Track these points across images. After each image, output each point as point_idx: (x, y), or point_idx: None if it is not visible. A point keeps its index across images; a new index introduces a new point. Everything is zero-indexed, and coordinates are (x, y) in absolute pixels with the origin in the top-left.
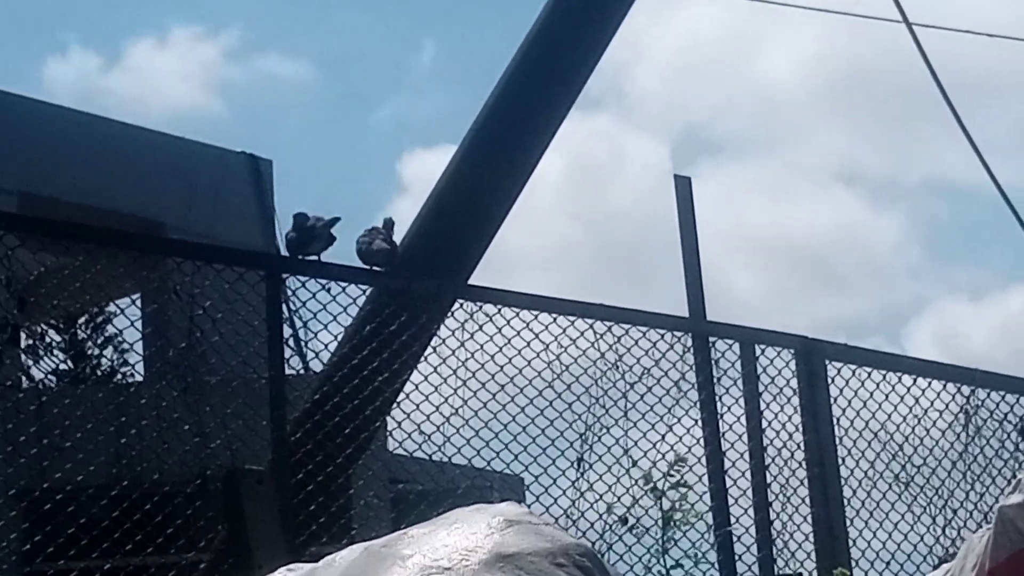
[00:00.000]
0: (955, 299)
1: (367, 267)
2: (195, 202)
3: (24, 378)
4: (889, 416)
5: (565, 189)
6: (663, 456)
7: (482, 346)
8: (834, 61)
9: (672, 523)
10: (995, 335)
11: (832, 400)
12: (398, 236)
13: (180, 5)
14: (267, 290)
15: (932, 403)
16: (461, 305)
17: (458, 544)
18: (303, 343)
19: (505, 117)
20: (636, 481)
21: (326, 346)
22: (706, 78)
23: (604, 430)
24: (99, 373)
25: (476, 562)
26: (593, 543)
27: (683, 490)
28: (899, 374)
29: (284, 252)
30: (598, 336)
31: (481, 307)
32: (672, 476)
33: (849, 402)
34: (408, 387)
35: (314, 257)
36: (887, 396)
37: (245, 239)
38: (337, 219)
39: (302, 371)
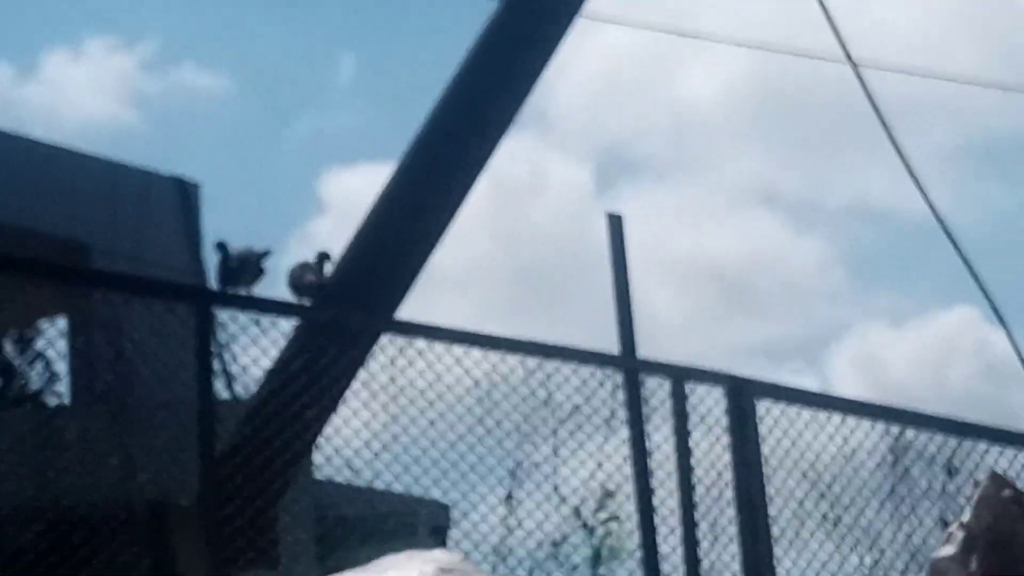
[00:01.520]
0: (876, 324)
1: (297, 300)
2: (121, 225)
3: None
4: (818, 455)
5: (485, 208)
6: (592, 493)
7: (411, 382)
8: (754, 83)
9: (601, 558)
10: (915, 361)
11: (761, 438)
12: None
13: (96, 15)
14: (197, 323)
15: (861, 443)
16: (391, 340)
17: None
18: (232, 378)
19: (441, 142)
20: (566, 518)
21: (250, 375)
22: (627, 99)
23: (534, 466)
24: (25, 393)
25: None
26: None
27: (612, 524)
28: (828, 412)
29: (213, 280)
30: (528, 373)
31: (412, 343)
32: (601, 512)
33: (778, 440)
34: (338, 419)
35: (243, 291)
36: (816, 435)
37: (173, 262)
38: (268, 252)
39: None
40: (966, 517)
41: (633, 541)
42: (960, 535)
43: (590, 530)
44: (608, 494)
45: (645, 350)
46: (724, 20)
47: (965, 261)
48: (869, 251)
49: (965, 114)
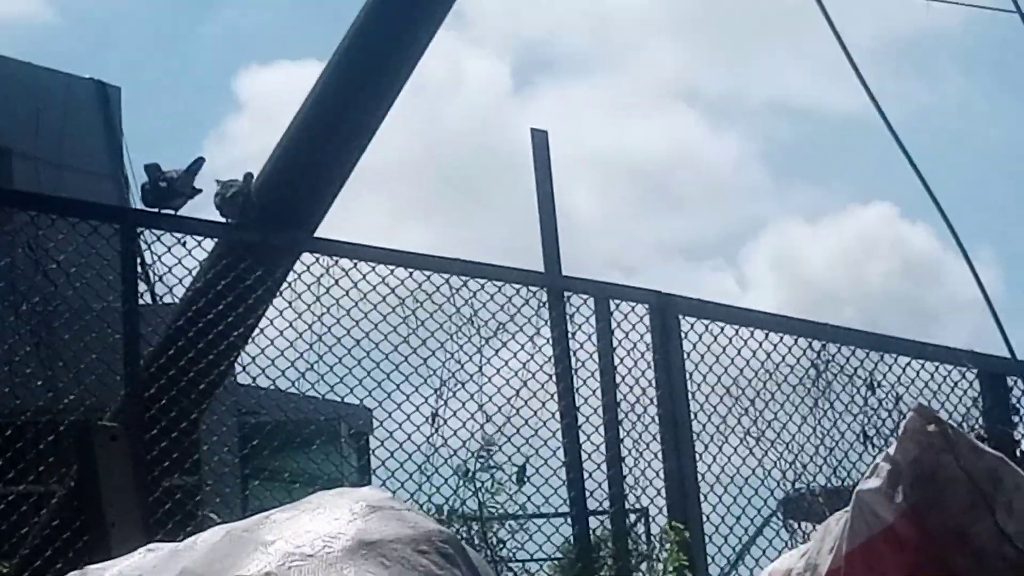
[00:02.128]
0: (794, 220)
1: (223, 220)
2: (42, 129)
3: None
4: (741, 371)
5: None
6: (517, 411)
7: (337, 301)
8: None
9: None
10: (833, 258)
11: (685, 355)
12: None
13: None
14: (122, 244)
15: (783, 358)
16: (317, 259)
17: (320, 530)
18: (156, 296)
19: (369, 43)
20: (489, 436)
21: (174, 287)
22: None
23: (459, 384)
24: None
25: (339, 549)
26: (447, 499)
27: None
28: (751, 329)
29: (129, 178)
30: (454, 291)
31: (337, 262)
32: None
33: (702, 356)
34: (262, 334)
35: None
36: (739, 351)
37: (94, 166)
38: (199, 162)
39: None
40: (892, 450)
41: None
42: (886, 468)
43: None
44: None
45: (564, 248)
46: None
47: (907, 154)
48: (788, 148)
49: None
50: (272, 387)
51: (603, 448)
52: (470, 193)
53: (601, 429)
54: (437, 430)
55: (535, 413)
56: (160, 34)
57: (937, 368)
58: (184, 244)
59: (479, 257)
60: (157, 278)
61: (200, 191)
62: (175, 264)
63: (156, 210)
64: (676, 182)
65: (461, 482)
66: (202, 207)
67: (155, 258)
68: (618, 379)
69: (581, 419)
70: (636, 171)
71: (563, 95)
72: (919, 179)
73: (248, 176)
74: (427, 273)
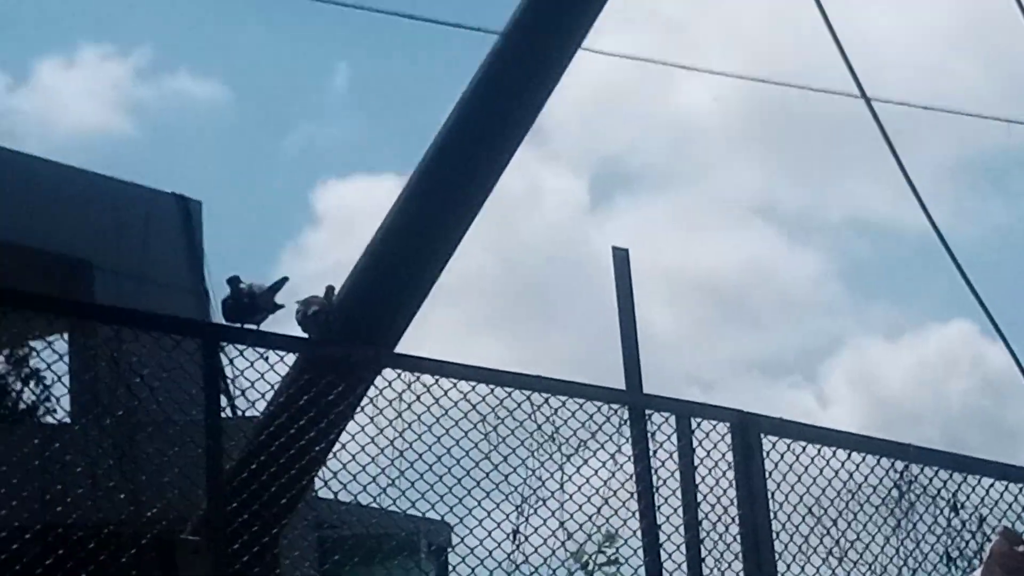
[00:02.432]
0: (872, 338)
1: (305, 335)
2: (123, 242)
3: None
4: (823, 491)
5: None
6: (599, 529)
7: (419, 416)
8: (753, 93)
9: None
10: (912, 376)
11: (767, 474)
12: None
13: (90, 23)
14: (204, 359)
15: (866, 478)
16: (399, 375)
17: None
18: (240, 411)
19: (452, 160)
20: (570, 555)
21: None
22: (623, 110)
23: (540, 502)
24: (20, 411)
25: None
26: None
27: (613, 568)
28: (833, 448)
29: (209, 291)
30: (535, 407)
31: (419, 377)
32: (604, 553)
33: (784, 476)
34: (343, 447)
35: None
36: (821, 470)
37: (175, 280)
38: (283, 281)
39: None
40: (977, 573)
41: None
42: None
43: (591, 571)
44: (609, 536)
45: (642, 363)
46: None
47: (962, 273)
48: (866, 265)
49: (964, 130)
50: (353, 502)
51: (684, 567)
52: (544, 308)
53: (683, 548)
54: (518, 547)
55: (616, 531)
56: (239, 146)
57: (1021, 489)
58: (267, 359)
59: (552, 371)
60: (239, 392)
61: (282, 307)
62: (257, 379)
63: (238, 325)
64: (753, 298)
65: None
66: (283, 321)
67: (237, 372)
68: (699, 497)
69: (662, 537)
70: (712, 286)
71: (640, 210)
72: (975, 299)
73: (329, 291)
74: (508, 389)
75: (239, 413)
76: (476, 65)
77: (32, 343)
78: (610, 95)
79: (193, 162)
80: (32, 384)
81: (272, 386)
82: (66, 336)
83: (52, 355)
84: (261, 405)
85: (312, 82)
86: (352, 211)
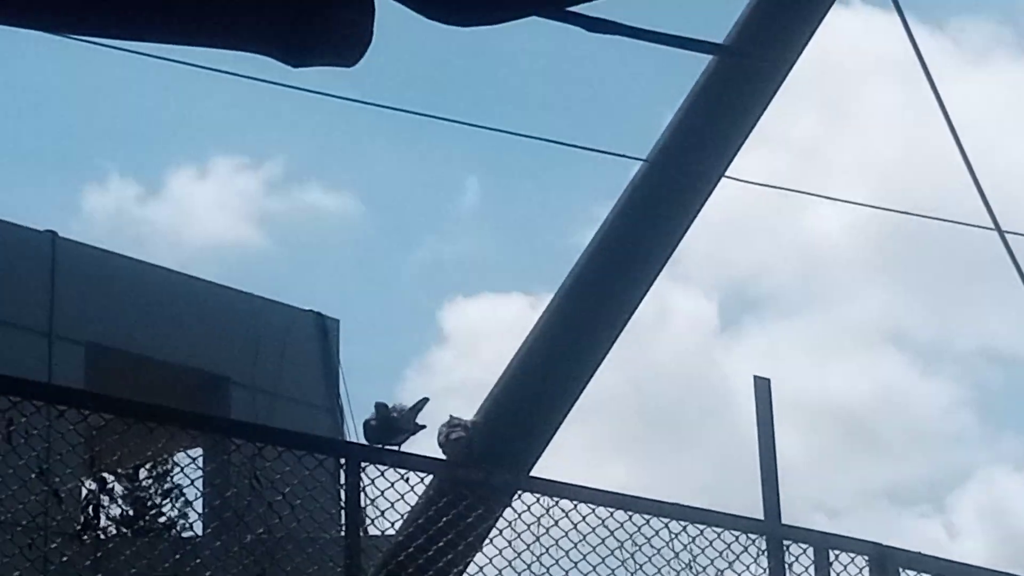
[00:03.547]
0: (1003, 469)
1: (444, 457)
2: (260, 358)
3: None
4: None
5: None
6: None
7: (557, 541)
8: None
9: None
10: None
11: None
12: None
13: (222, 135)
14: (347, 478)
15: None
16: (538, 499)
17: None
18: (380, 532)
19: (596, 285)
20: None
21: (396, 522)
22: (753, 232)
23: None
24: (158, 525)
25: None
26: None
27: None
28: None
29: (345, 408)
30: (673, 536)
31: (557, 502)
32: None
33: None
34: (477, 568)
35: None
36: None
37: (309, 397)
38: (424, 402)
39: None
40: None
41: None
42: None
43: None
44: None
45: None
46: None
47: None
48: (998, 395)
49: None
50: None
51: None
52: (672, 431)
53: None
54: None
55: None
56: (368, 260)
57: None
58: (407, 480)
59: (678, 497)
60: (380, 513)
61: (423, 427)
62: (397, 500)
63: (379, 445)
64: (882, 426)
65: None
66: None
67: (377, 492)
68: None
69: None
70: (841, 414)
71: (769, 334)
72: None
73: (474, 425)
74: (646, 516)
75: (380, 533)
76: (606, 185)
77: (173, 458)
78: (740, 216)
79: (322, 276)
80: (172, 498)
81: (411, 506)
82: (201, 453)
83: (191, 471)
84: (399, 526)
85: (441, 196)
86: (478, 329)
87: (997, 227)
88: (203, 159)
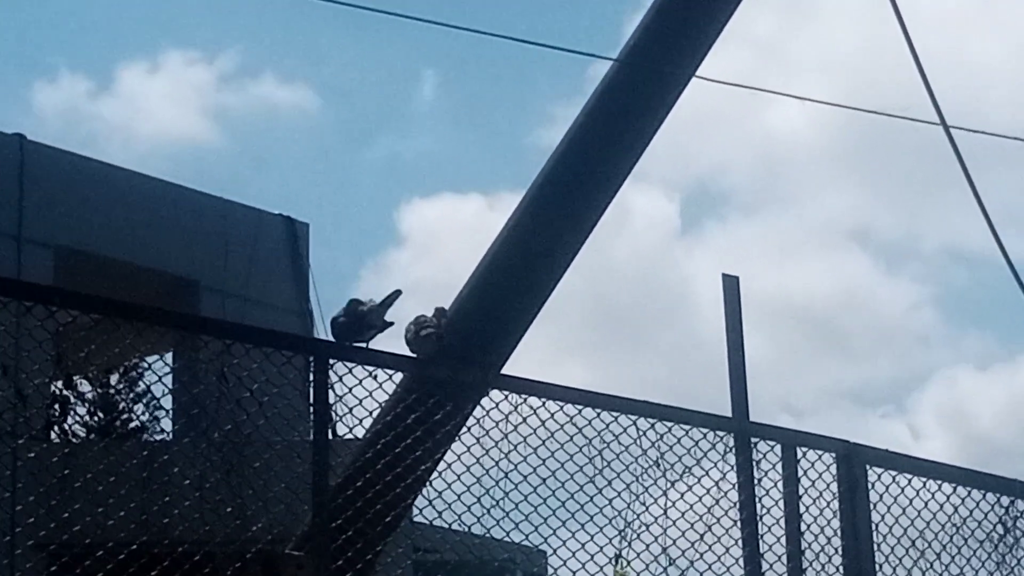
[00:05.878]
0: (965, 368)
1: (413, 354)
2: (230, 262)
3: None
4: (928, 524)
5: None
6: (701, 556)
7: (525, 439)
8: (848, 115)
9: None
10: (1005, 408)
11: (872, 506)
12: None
13: (174, 29)
14: (315, 376)
15: (971, 512)
16: (506, 397)
17: None
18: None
19: (567, 185)
20: None
21: (363, 419)
22: (714, 130)
23: (644, 527)
24: (129, 429)
25: None
26: None
27: None
28: (939, 482)
29: (315, 311)
30: (641, 433)
31: (525, 399)
32: None
33: (888, 508)
34: (447, 468)
35: (362, 344)
36: (926, 504)
37: (278, 300)
38: (396, 294)
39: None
40: None
41: None
42: None
43: None
44: None
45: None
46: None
47: None
48: (962, 293)
49: None
50: (448, 527)
51: None
52: (632, 332)
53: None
54: (622, 570)
55: (719, 559)
56: (323, 156)
57: None
58: (375, 377)
59: (640, 396)
60: (348, 411)
61: (392, 324)
62: (365, 397)
63: (348, 343)
64: (846, 326)
65: None
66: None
67: (345, 390)
68: (803, 527)
69: (765, 566)
70: (805, 314)
71: (731, 234)
72: None
73: (440, 313)
74: (614, 414)
75: (346, 431)
76: (564, 84)
77: (141, 360)
78: (701, 115)
79: (277, 173)
80: (145, 403)
81: (380, 404)
82: (170, 354)
83: (160, 371)
84: (368, 424)
85: (398, 89)
86: (436, 230)
87: (942, 121)
88: (154, 53)
